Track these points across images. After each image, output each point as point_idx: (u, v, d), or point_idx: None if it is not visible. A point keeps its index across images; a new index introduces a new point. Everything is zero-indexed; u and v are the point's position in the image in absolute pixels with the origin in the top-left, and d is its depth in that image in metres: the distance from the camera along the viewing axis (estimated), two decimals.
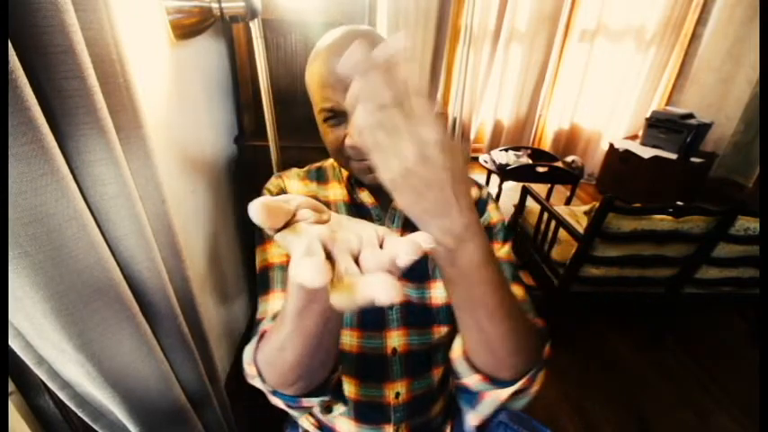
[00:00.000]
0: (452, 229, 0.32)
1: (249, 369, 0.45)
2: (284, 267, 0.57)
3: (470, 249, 0.33)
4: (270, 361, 0.42)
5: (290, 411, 0.47)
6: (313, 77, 0.52)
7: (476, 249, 0.33)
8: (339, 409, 0.47)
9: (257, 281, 0.58)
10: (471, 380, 0.44)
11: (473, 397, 0.46)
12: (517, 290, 0.56)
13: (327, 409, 0.48)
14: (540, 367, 0.44)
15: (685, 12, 2.93)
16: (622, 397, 1.46)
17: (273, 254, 0.58)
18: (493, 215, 0.63)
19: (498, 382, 0.43)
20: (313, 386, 0.43)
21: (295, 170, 0.67)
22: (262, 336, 0.46)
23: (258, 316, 0.55)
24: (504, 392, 0.43)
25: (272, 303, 0.54)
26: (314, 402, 0.44)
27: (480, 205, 0.64)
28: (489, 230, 0.61)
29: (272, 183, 0.64)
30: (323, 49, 0.51)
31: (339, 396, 0.47)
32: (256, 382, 0.45)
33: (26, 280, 0.37)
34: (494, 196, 0.66)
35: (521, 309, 0.42)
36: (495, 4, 3.10)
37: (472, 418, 0.48)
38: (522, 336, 0.41)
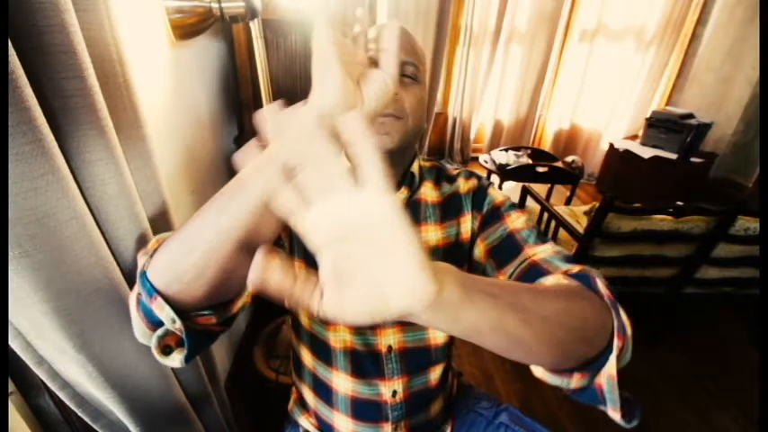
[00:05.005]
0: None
1: (150, 243, 0.41)
2: None
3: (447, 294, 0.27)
4: (172, 236, 0.37)
5: (135, 315, 0.39)
6: None
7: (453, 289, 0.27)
8: (175, 357, 0.39)
9: None
10: (573, 382, 0.38)
11: (593, 393, 0.39)
12: (547, 248, 0.52)
13: (165, 349, 0.39)
14: (615, 311, 0.38)
15: (685, 12, 2.93)
16: None
17: None
18: (497, 196, 0.62)
19: (596, 363, 0.37)
20: (183, 287, 0.36)
21: None
22: None
23: None
24: (611, 365, 0.36)
25: None
26: (162, 313, 0.36)
27: (481, 193, 0.63)
28: (497, 209, 0.60)
29: None
30: None
31: (192, 340, 0.38)
32: (141, 258, 0.40)
33: (26, 280, 0.37)
34: (494, 184, 0.66)
35: (547, 293, 0.36)
36: (495, 4, 3.10)
37: (612, 412, 0.38)
38: (575, 314, 0.36)
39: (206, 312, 0.39)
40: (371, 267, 0.25)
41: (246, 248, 0.34)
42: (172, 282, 0.36)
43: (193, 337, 0.38)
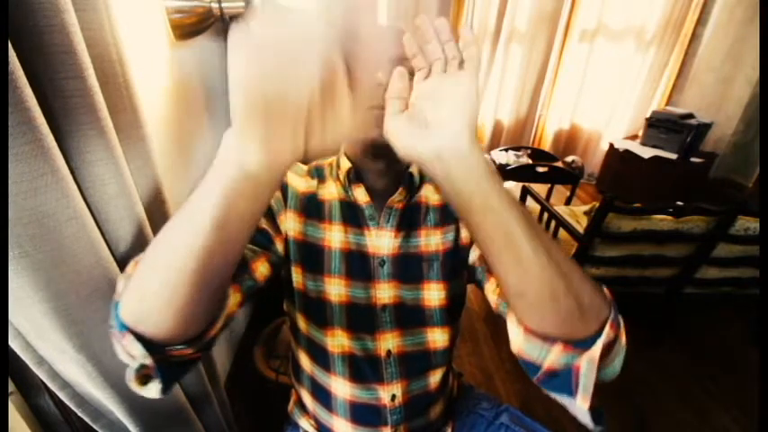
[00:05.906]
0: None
1: (129, 265, 0.41)
2: None
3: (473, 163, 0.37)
4: (144, 255, 0.36)
5: (115, 343, 0.37)
6: None
7: (478, 163, 0.37)
8: (152, 388, 0.38)
9: None
10: (553, 356, 0.38)
11: (567, 378, 0.38)
12: None
13: (143, 378, 0.37)
14: (615, 309, 0.39)
15: (685, 12, 2.93)
16: (622, 397, 1.46)
17: None
18: None
19: (582, 342, 0.37)
20: (151, 327, 0.34)
21: (301, 165, 0.67)
22: None
23: None
24: (596, 350, 0.36)
25: None
26: (133, 350, 0.35)
27: None
28: None
29: None
30: None
31: (165, 374, 0.37)
32: (120, 283, 0.39)
33: (26, 280, 0.37)
34: None
35: (559, 243, 0.40)
36: (495, 4, 3.10)
37: (581, 401, 0.37)
38: (576, 271, 0.37)
39: (180, 347, 0.38)
40: (440, 112, 0.39)
41: (210, 270, 0.34)
42: (139, 321, 0.35)
43: (166, 370, 0.37)
